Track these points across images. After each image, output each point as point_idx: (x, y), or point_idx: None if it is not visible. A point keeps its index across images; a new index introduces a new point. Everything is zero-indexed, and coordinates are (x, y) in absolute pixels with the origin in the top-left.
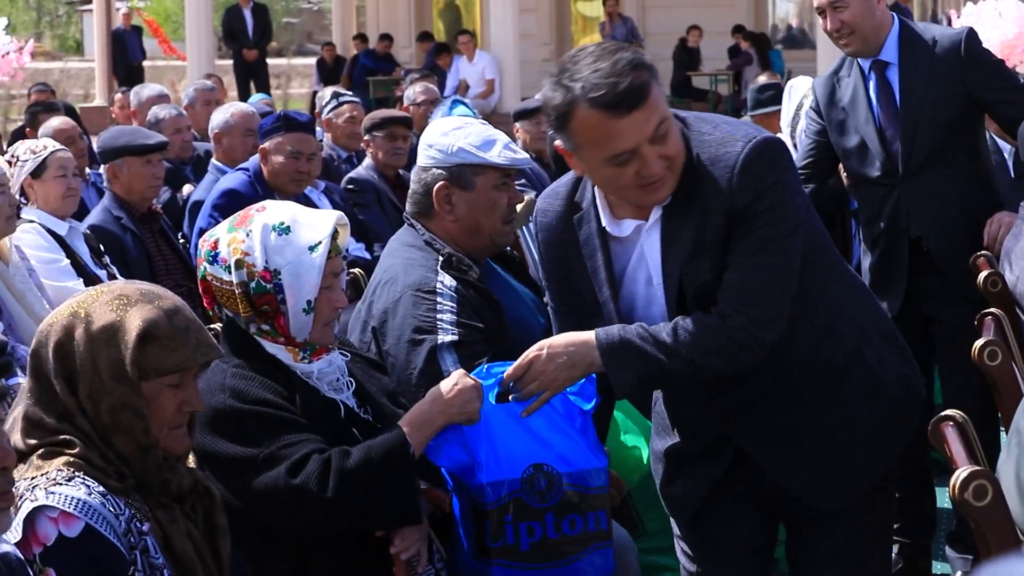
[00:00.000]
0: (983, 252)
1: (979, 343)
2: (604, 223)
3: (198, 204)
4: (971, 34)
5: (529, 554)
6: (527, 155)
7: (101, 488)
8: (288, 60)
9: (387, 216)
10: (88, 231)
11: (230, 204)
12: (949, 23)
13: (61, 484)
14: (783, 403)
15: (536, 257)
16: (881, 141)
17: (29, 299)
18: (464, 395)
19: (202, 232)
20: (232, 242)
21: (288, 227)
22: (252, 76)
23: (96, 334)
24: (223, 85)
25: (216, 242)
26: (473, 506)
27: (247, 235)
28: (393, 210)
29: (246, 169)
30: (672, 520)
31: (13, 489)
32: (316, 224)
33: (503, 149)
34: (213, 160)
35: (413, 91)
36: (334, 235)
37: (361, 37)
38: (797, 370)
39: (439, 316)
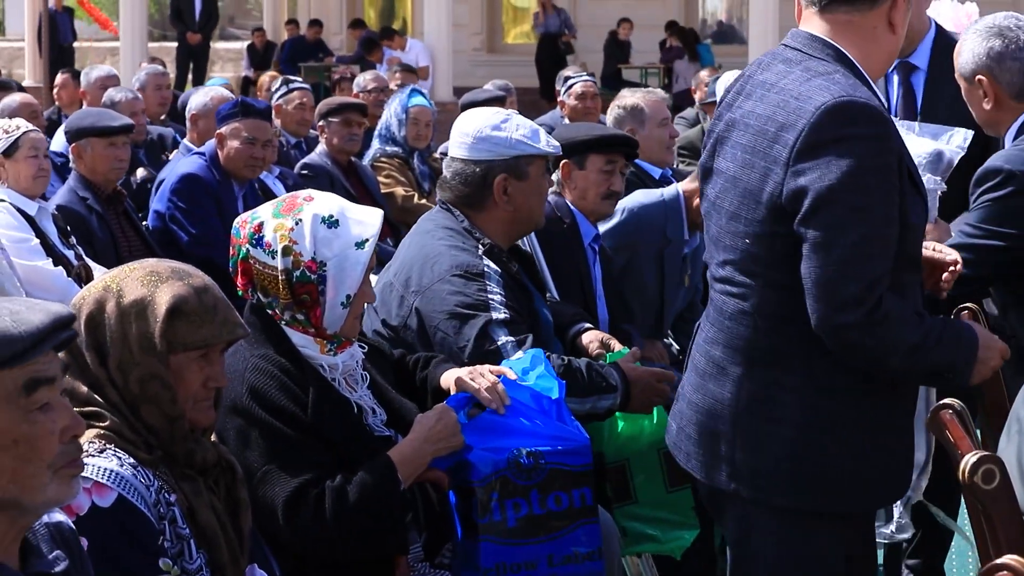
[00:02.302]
0: None
1: None
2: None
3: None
4: None
5: (516, 530)
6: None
7: (132, 460)
8: (213, 45)
9: None
10: (56, 211)
11: (188, 188)
12: None
13: (94, 456)
14: None
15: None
16: None
17: (0, 278)
18: (448, 430)
19: (158, 215)
20: (279, 228)
21: (337, 220)
22: (193, 60)
23: (127, 307)
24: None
25: (260, 225)
26: (460, 486)
27: (296, 223)
28: (346, 196)
29: (202, 153)
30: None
31: None
32: (363, 221)
33: (547, 137)
34: (185, 141)
35: (364, 79)
36: None
37: (293, 23)
38: None
39: (490, 296)
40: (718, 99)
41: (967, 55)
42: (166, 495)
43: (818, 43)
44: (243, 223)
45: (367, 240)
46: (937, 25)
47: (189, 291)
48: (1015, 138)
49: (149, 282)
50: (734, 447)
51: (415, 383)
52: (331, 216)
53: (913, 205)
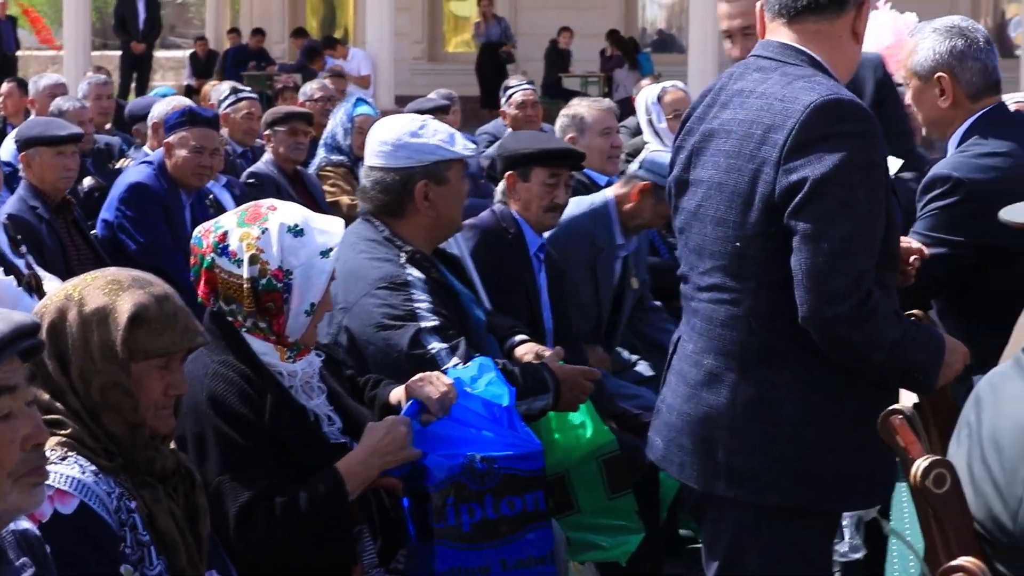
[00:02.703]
0: None
1: None
2: None
3: None
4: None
5: (470, 535)
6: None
7: (93, 467)
8: (154, 54)
9: None
10: (6, 220)
11: (136, 197)
12: None
13: (56, 463)
14: None
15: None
16: None
17: None
18: (397, 443)
19: (107, 223)
20: (245, 237)
21: (302, 229)
22: (136, 69)
23: (88, 316)
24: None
25: (225, 234)
26: (415, 491)
27: (263, 232)
28: None
29: (150, 162)
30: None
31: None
32: (327, 230)
33: (463, 140)
34: (144, 148)
35: (310, 88)
36: None
37: (235, 31)
38: None
39: (416, 305)
40: (641, 114)
41: (926, 53)
42: (127, 502)
43: (791, 50)
44: (205, 232)
45: (331, 249)
46: None
47: (150, 299)
48: (960, 142)
49: (110, 291)
50: (731, 452)
51: (364, 402)
52: (296, 225)
53: (892, 205)
